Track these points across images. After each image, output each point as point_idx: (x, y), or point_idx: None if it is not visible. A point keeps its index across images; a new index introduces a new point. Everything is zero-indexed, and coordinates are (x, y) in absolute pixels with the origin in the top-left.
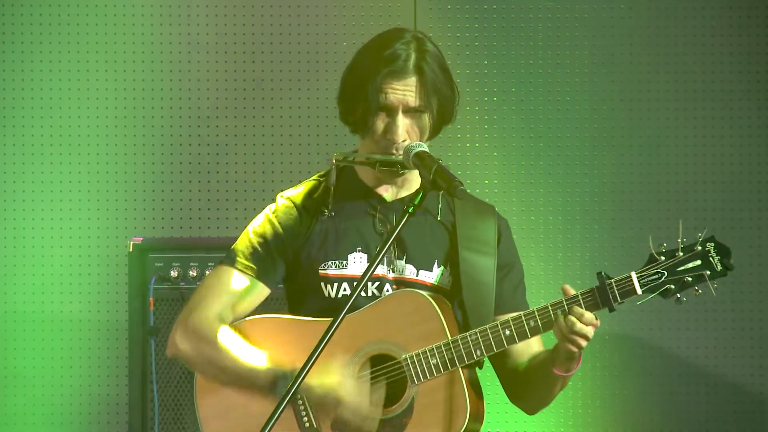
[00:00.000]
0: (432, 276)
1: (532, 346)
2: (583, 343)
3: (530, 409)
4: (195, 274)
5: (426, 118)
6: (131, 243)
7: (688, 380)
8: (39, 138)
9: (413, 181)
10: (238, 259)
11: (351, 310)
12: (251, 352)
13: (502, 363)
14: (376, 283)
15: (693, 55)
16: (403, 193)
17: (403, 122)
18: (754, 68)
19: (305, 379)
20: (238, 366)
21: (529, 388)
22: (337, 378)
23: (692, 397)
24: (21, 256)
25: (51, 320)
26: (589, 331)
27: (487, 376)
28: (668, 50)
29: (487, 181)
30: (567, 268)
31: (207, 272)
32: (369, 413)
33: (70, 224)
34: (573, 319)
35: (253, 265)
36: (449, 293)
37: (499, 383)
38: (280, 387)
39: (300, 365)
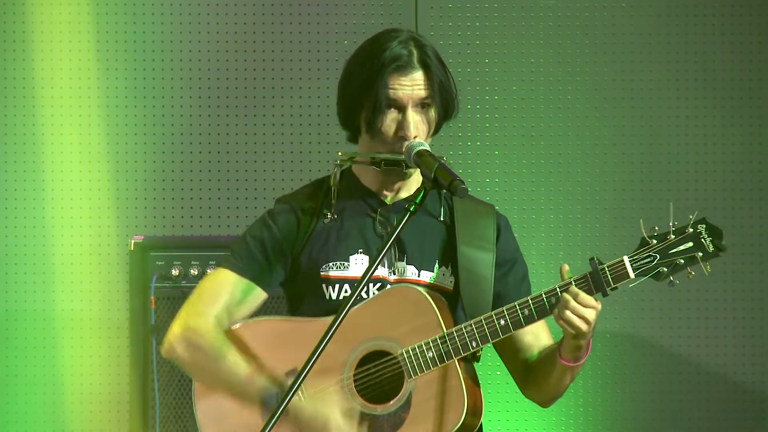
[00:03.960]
0: (432, 275)
1: (541, 339)
2: (582, 325)
3: (543, 401)
4: (196, 273)
5: (432, 112)
6: (132, 241)
7: (689, 379)
8: (40, 136)
9: (412, 182)
10: (235, 262)
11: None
12: (245, 363)
13: (512, 357)
14: (378, 285)
15: (694, 53)
16: (403, 194)
17: (413, 117)
18: (755, 66)
19: (299, 400)
20: (230, 377)
21: (540, 380)
22: (330, 408)
23: (693, 395)
24: (22, 254)
25: (52, 318)
26: (588, 313)
27: (489, 374)
28: (669, 48)
29: (488, 180)
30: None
31: (208, 270)
32: None
33: (71, 222)
34: (567, 296)
35: (250, 269)
36: (452, 294)
37: (497, 382)
38: (269, 405)
39: (289, 383)
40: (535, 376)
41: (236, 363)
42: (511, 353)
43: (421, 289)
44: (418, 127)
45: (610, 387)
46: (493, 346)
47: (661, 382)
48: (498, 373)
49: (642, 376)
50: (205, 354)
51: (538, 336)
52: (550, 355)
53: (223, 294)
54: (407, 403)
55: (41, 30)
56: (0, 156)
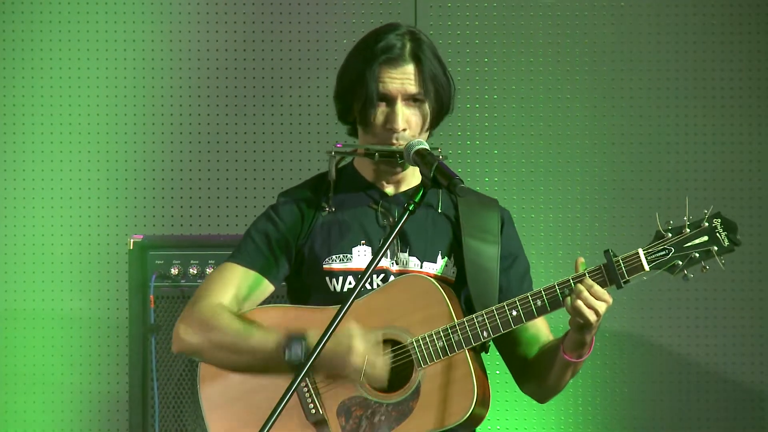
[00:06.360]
0: (436, 267)
1: (542, 336)
2: (591, 316)
3: (541, 397)
4: (195, 272)
5: (426, 107)
6: (131, 240)
7: (689, 379)
8: (39, 136)
9: (413, 175)
10: (241, 256)
11: (356, 298)
12: (259, 327)
13: (511, 352)
14: (381, 276)
15: (693, 53)
16: (404, 187)
17: (402, 111)
18: (755, 66)
19: (313, 341)
20: (247, 342)
21: (540, 376)
22: (347, 332)
23: (693, 395)
24: (21, 254)
25: (51, 318)
26: (600, 305)
27: (488, 374)
28: (668, 48)
29: (487, 179)
30: (567, 265)
31: (208, 270)
32: (380, 358)
33: (71, 222)
34: (581, 287)
35: (257, 262)
36: (454, 286)
37: (497, 381)
38: (294, 346)
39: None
40: (535, 371)
41: (251, 329)
42: (511, 348)
43: (431, 278)
44: (409, 121)
45: (610, 387)
46: (493, 341)
47: (661, 382)
48: (497, 372)
49: (642, 376)
50: (216, 331)
51: (539, 332)
52: (552, 350)
53: (230, 286)
54: (416, 392)
55: (43, 30)
56: None
